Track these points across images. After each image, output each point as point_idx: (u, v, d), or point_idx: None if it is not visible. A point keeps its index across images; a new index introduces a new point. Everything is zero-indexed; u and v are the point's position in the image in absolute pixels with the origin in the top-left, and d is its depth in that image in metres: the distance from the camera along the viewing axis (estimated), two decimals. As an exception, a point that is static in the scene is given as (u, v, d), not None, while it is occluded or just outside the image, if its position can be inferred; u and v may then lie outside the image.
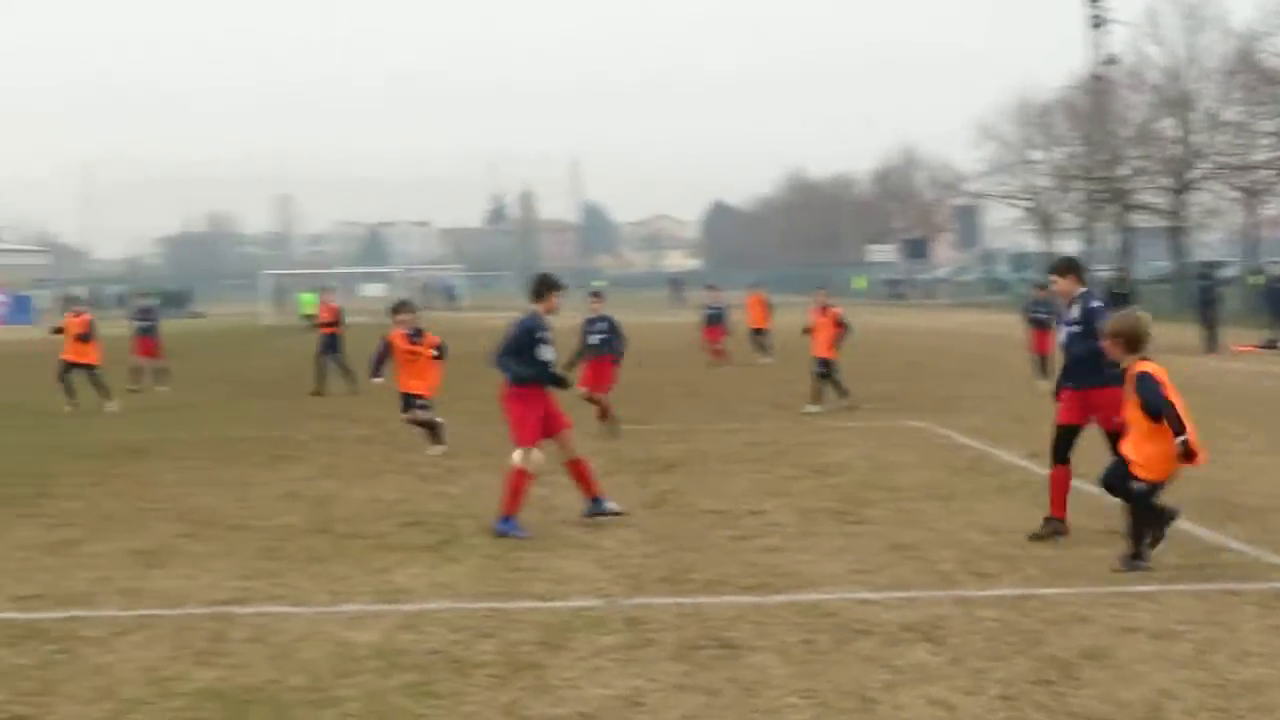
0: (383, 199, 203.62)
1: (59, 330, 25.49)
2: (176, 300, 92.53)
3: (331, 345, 28.13)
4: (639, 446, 18.13)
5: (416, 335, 18.24)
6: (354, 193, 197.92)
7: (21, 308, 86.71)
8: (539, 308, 12.72)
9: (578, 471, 12.76)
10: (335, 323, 28.56)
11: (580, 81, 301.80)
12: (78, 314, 25.42)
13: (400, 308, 18.79)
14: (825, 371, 22.69)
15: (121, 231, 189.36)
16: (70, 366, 24.94)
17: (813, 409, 22.13)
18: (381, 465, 16.85)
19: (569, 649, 8.56)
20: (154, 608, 9.86)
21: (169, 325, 36.89)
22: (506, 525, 12.11)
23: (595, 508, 12.75)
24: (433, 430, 18.07)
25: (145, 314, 30.54)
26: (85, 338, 24.80)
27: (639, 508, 13.49)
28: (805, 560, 11.06)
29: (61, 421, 22.93)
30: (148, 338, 29.91)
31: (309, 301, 63.90)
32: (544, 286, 12.83)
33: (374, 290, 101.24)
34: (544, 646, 8.62)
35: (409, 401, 18.11)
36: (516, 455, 12.28)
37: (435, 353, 18.16)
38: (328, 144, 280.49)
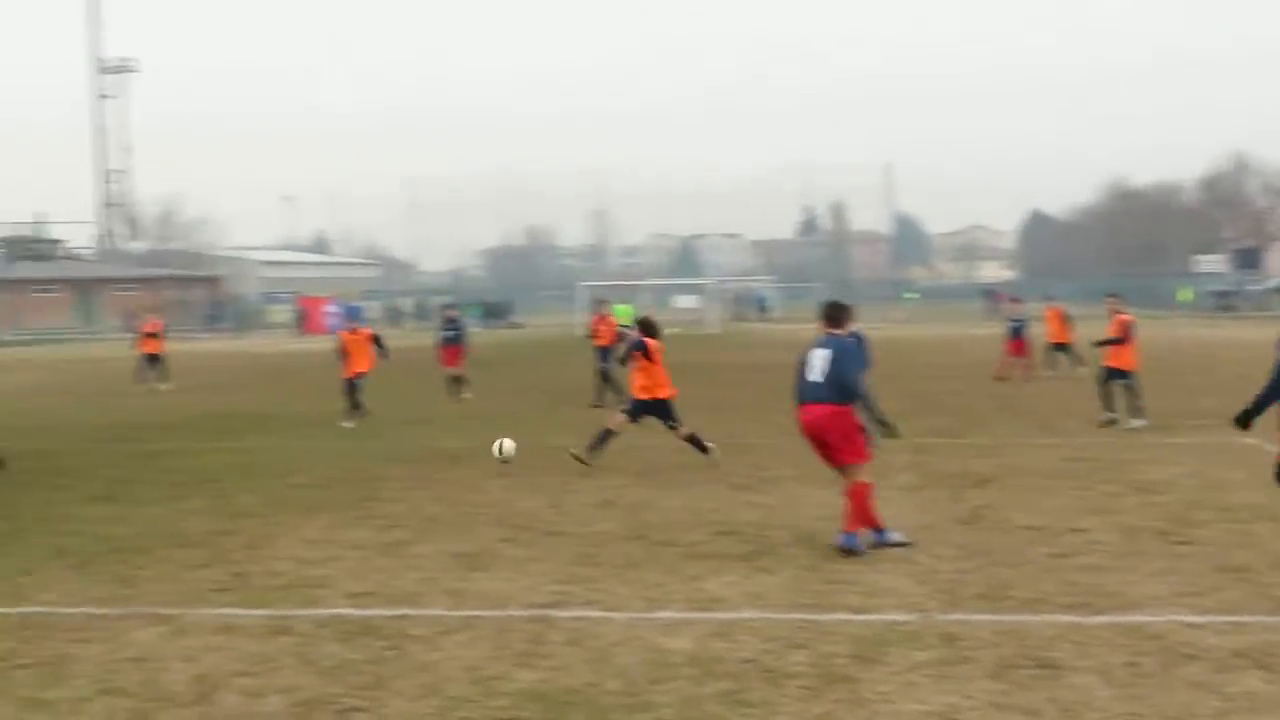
0: (695, 211, 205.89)
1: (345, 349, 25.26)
2: (497, 311, 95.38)
3: (605, 357, 28.56)
4: (952, 461, 17.85)
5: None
6: (667, 205, 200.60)
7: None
8: (839, 331, 12.55)
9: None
10: (615, 337, 29.01)
11: (893, 86, 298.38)
12: (355, 330, 25.49)
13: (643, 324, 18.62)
14: (1122, 381, 21.94)
15: (446, 244, 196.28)
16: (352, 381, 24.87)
17: (1136, 423, 21.40)
18: (694, 474, 17.01)
19: (883, 663, 8.49)
20: (477, 608, 10.19)
21: (491, 336, 37.99)
22: (850, 540, 11.90)
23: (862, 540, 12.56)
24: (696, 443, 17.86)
25: (451, 324, 31.24)
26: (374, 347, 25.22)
27: (952, 523, 13.28)
28: (1129, 580, 10.70)
29: (388, 429, 23.87)
30: (453, 347, 30.62)
31: (624, 313, 65.03)
32: (844, 313, 12.70)
33: (686, 302, 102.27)
34: (857, 660, 8.57)
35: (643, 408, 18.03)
36: (859, 471, 12.13)
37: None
38: (643, 158, 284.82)
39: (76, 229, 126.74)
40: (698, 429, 18.41)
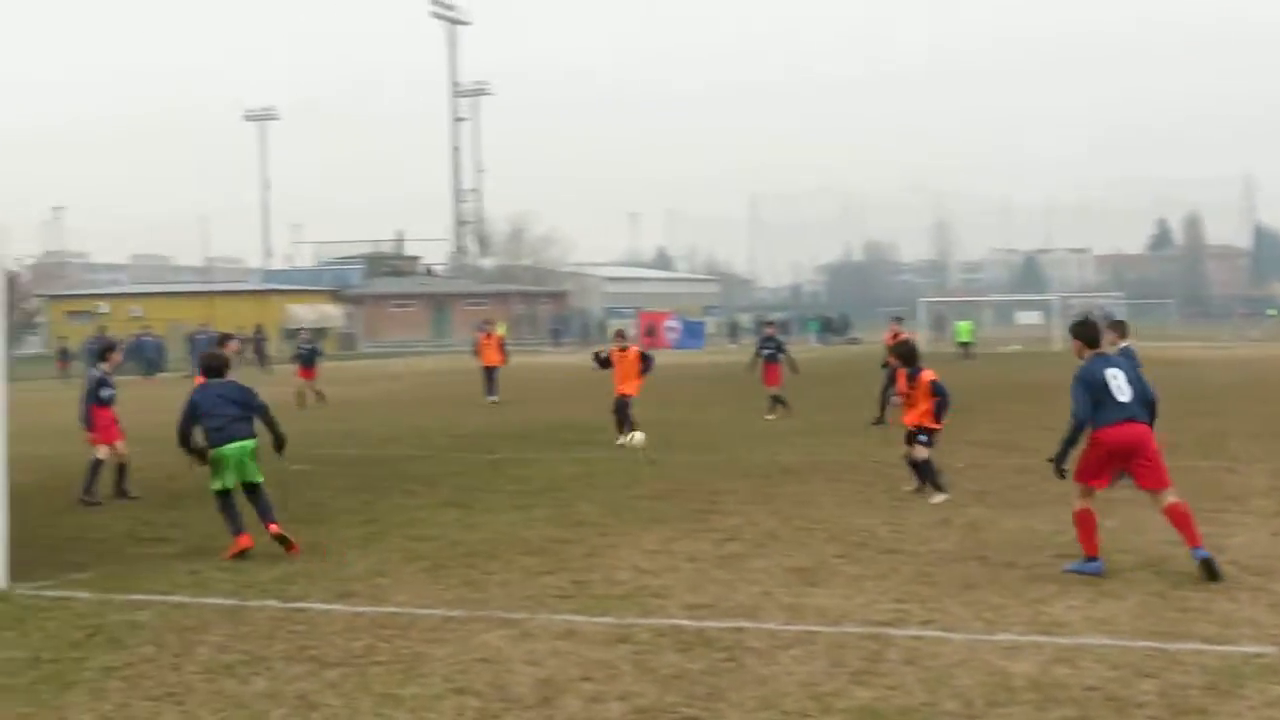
0: (1040, 226, 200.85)
1: (606, 363, 25.06)
2: (836, 327, 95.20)
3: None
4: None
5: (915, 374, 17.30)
6: (1011, 220, 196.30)
7: (693, 333, 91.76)
8: (1107, 350, 12.34)
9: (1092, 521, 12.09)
10: None
11: (1253, 94, 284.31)
12: (625, 349, 24.90)
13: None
14: None
15: (786, 260, 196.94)
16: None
17: None
18: (1035, 495, 16.59)
19: (1239, 696, 8.11)
20: (813, 624, 10.18)
21: (829, 351, 37.83)
22: (1204, 552, 11.52)
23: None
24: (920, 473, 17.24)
25: (769, 341, 30.75)
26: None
27: (1316, 552, 12.59)
28: None
29: (725, 443, 24.07)
30: (772, 365, 30.18)
31: (965, 330, 64.01)
32: (1099, 331, 12.62)
33: (1029, 318, 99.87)
34: (1210, 692, 8.21)
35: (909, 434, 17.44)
36: (1172, 491, 11.74)
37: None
38: (983, 170, 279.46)
39: (432, 247, 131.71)
40: (1036, 450, 17.92)
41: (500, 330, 41.61)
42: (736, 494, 17.32)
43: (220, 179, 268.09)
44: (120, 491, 18.06)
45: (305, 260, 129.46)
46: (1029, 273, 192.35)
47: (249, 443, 13.92)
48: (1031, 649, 9.31)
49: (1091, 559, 11.86)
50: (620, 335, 26.29)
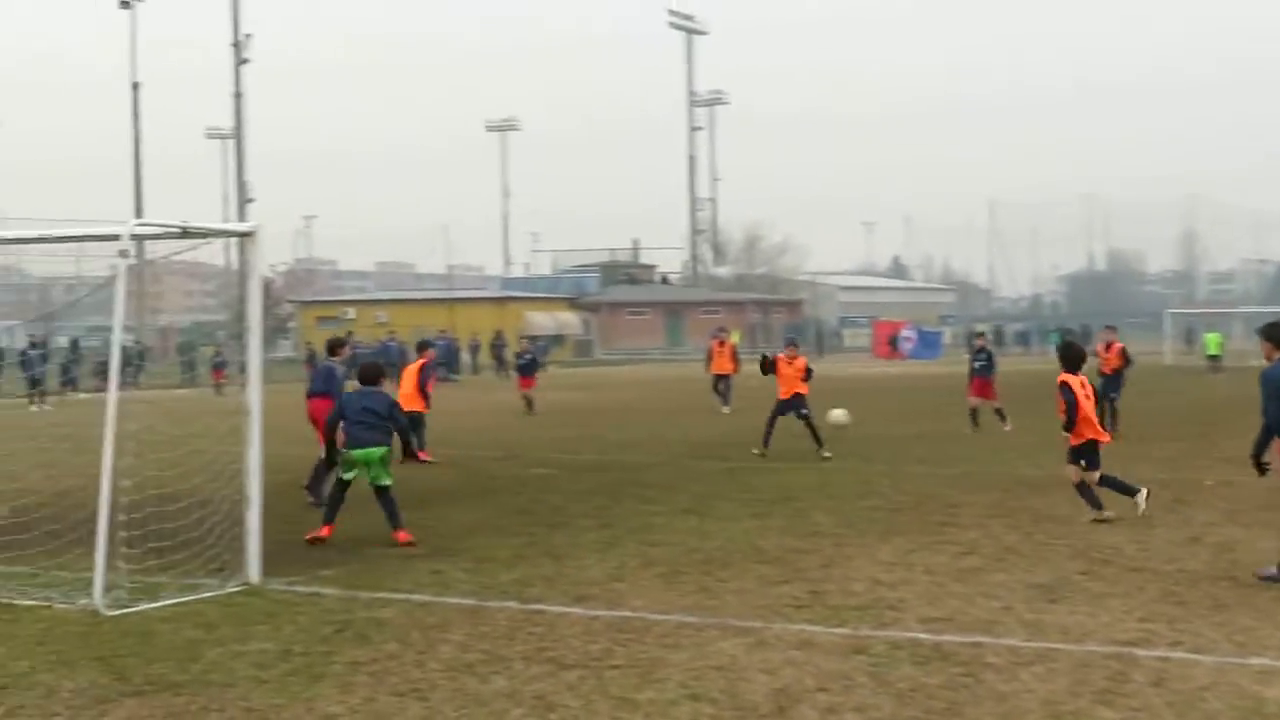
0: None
1: (771, 368, 24.32)
2: (1077, 338, 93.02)
3: (1114, 387, 26.99)
4: None
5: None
6: (1263, 230, 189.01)
7: (928, 343, 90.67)
8: None
9: None
10: (1122, 364, 27.50)
11: None
12: (793, 359, 24.03)
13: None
14: None
15: (1026, 270, 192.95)
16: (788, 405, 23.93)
17: None
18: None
19: None
20: (1054, 641, 9.96)
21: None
22: None
23: None
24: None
25: (980, 354, 29.70)
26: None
27: None
28: None
29: (962, 454, 23.71)
30: (982, 378, 29.20)
31: (1214, 342, 61.90)
32: None
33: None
34: None
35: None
36: None
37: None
38: (1237, 180, 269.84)
39: (668, 255, 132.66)
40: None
41: (733, 338, 41.38)
42: (974, 507, 17.04)
43: (462, 191, 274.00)
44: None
45: (544, 268, 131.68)
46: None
47: (378, 450, 14.81)
48: (1287, 674, 8.96)
49: None
50: (793, 345, 25.49)
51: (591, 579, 12.56)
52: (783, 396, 23.88)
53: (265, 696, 8.78)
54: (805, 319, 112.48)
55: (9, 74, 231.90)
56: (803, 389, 23.90)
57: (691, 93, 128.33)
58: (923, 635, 10.20)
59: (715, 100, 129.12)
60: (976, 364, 29.65)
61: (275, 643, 10.22)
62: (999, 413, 28.82)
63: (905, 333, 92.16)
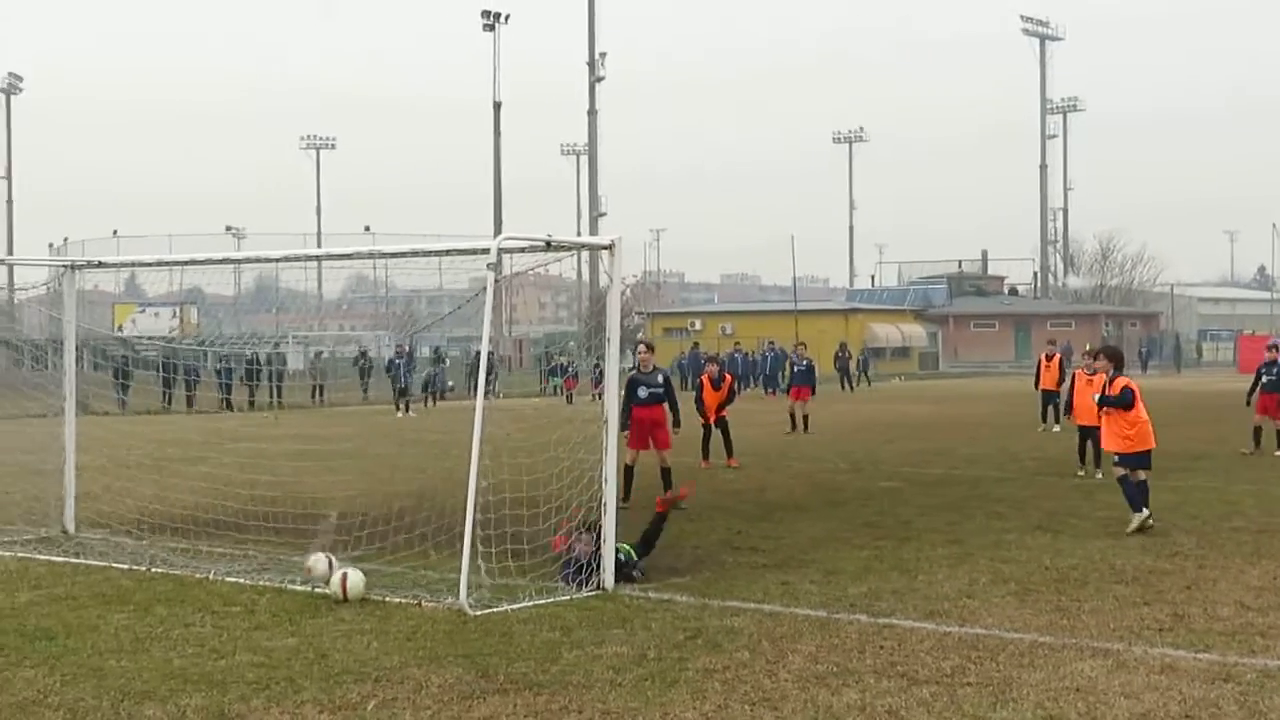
0: None
1: None
2: None
3: None
4: None
5: None
6: None
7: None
8: None
9: None
10: None
11: None
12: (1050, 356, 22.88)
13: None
14: None
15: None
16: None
17: None
18: None
19: None
20: None
21: None
22: None
23: None
24: None
25: (1271, 367, 26.67)
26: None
27: None
28: None
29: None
30: (1269, 395, 26.56)
31: None
32: None
33: None
34: None
35: None
36: None
37: None
38: None
39: (1017, 266, 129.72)
40: None
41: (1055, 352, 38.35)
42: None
43: (809, 205, 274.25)
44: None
45: (890, 280, 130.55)
46: None
47: None
48: None
49: None
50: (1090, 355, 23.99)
51: (942, 594, 12.41)
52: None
53: (621, 700, 9.00)
54: (1161, 332, 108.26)
55: (381, 99, 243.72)
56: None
57: (1045, 99, 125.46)
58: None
59: (1070, 107, 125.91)
60: (1266, 378, 26.76)
61: (630, 647, 10.45)
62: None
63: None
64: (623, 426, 18.41)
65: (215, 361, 41.54)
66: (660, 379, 19.84)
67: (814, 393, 35.67)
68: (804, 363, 35.78)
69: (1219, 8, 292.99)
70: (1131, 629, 10.92)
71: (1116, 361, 17.09)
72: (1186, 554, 14.51)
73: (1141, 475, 16.46)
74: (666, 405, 19.75)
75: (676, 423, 20.01)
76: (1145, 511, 16.08)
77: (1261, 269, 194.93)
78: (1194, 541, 15.37)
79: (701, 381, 25.78)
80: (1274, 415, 26.54)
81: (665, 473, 19.24)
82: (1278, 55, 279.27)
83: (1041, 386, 34.94)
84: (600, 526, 12.87)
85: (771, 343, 66.91)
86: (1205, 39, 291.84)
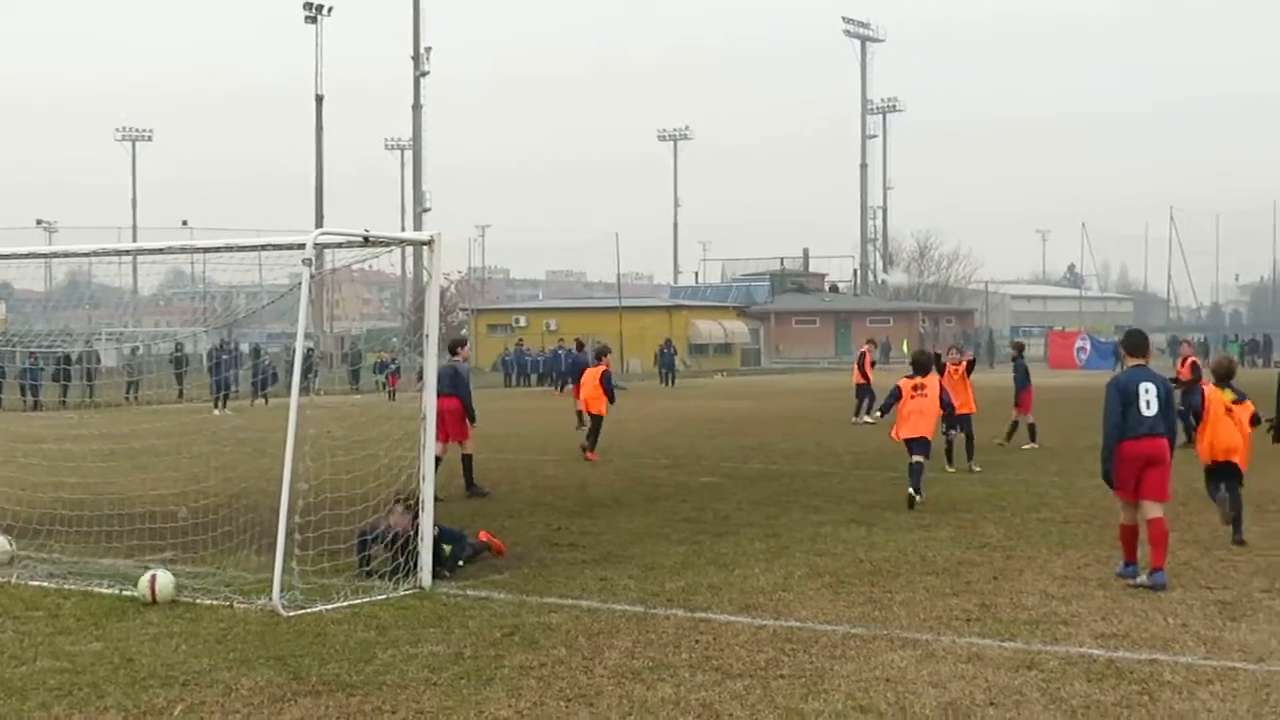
0: None
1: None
2: (1256, 349, 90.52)
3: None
4: None
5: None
6: None
7: (1103, 353, 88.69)
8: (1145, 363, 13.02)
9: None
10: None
11: None
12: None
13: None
14: None
15: (1206, 279, 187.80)
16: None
17: None
18: None
19: None
20: (1235, 660, 9.71)
21: (1248, 375, 35.64)
22: (1162, 577, 12.24)
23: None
24: None
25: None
26: None
27: None
28: None
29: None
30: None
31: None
32: (1148, 343, 13.52)
33: None
34: None
35: None
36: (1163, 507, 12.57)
37: None
38: None
39: (837, 264, 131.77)
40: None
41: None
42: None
43: (634, 201, 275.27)
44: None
45: (713, 277, 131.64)
46: None
47: None
48: None
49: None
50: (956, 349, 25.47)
51: (758, 588, 12.54)
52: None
53: (436, 699, 8.92)
54: (975, 329, 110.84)
55: (200, 89, 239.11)
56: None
57: (865, 100, 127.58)
58: (1096, 651, 10.00)
59: (889, 107, 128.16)
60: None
61: (446, 645, 10.38)
62: None
63: (1079, 342, 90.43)
64: (472, 418, 19.99)
65: (23, 360, 40.30)
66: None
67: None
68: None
69: (1042, 17, 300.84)
70: (940, 619, 11.15)
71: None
72: (995, 545, 14.86)
73: (918, 458, 18.18)
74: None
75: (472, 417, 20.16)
76: (918, 494, 17.82)
77: (1071, 267, 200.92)
78: (1002, 533, 15.75)
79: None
80: None
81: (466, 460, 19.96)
82: (1091, 67, 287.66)
83: (855, 380, 36.13)
84: (419, 519, 12.76)
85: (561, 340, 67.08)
86: (1025, 47, 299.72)
